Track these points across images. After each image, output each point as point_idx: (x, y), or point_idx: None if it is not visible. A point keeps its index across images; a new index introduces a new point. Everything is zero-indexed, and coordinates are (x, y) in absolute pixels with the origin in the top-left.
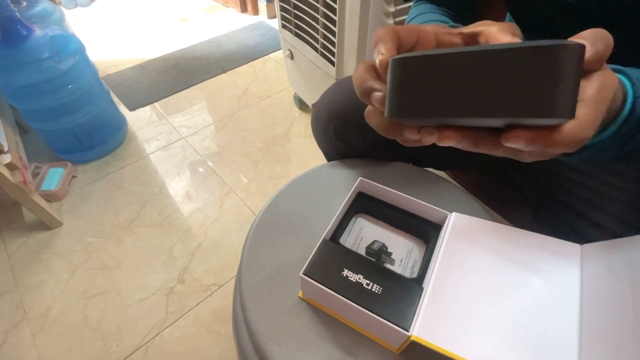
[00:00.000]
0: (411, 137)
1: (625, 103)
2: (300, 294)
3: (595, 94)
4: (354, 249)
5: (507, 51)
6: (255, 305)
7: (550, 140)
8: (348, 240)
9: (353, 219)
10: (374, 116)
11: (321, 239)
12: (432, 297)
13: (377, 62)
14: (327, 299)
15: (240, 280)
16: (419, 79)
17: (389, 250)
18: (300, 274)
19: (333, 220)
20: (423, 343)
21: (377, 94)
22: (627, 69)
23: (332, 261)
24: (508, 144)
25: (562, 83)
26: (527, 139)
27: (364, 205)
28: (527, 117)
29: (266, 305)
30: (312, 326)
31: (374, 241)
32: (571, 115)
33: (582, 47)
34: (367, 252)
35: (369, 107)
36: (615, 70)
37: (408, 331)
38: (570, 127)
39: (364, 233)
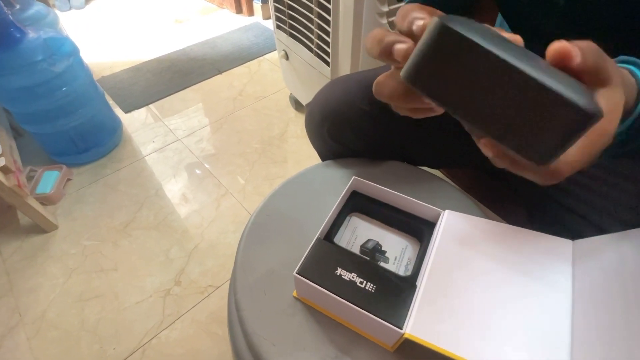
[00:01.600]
0: (426, 105)
1: (637, 101)
2: (294, 293)
3: (590, 141)
4: (349, 248)
5: (528, 79)
6: (250, 306)
7: (520, 165)
8: (342, 239)
9: (347, 217)
10: (388, 83)
11: (315, 238)
12: (425, 295)
13: (416, 26)
14: (321, 298)
15: (234, 281)
16: (449, 58)
17: (383, 248)
18: (294, 273)
19: (327, 219)
20: (416, 340)
21: (401, 46)
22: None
23: (325, 260)
24: (480, 147)
25: (556, 135)
26: (495, 153)
27: (358, 204)
28: (503, 143)
29: (261, 305)
30: (306, 325)
31: (368, 240)
32: (545, 164)
33: (597, 118)
34: (362, 251)
35: (381, 76)
36: (628, 62)
37: (401, 329)
38: None
39: (358, 232)
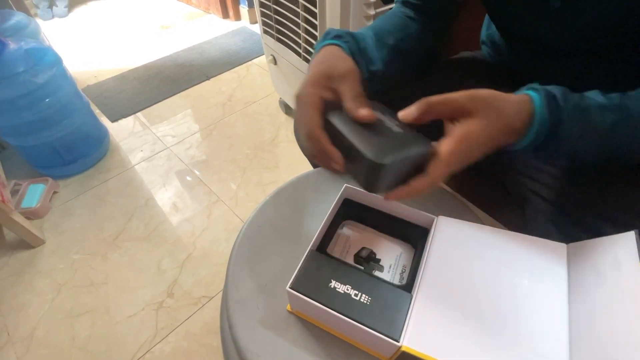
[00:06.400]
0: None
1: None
2: (288, 307)
3: (455, 144)
4: (342, 257)
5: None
6: (243, 322)
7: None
8: (336, 248)
9: (340, 226)
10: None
11: (307, 250)
12: (422, 304)
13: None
14: (316, 311)
15: (226, 297)
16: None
17: (377, 256)
18: (287, 288)
19: (319, 229)
20: (414, 353)
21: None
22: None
23: (319, 273)
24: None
25: (364, 172)
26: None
27: (350, 211)
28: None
29: (254, 321)
30: (301, 340)
31: (362, 248)
32: (373, 192)
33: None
34: (356, 260)
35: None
36: (529, 88)
37: (398, 341)
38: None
39: (352, 240)
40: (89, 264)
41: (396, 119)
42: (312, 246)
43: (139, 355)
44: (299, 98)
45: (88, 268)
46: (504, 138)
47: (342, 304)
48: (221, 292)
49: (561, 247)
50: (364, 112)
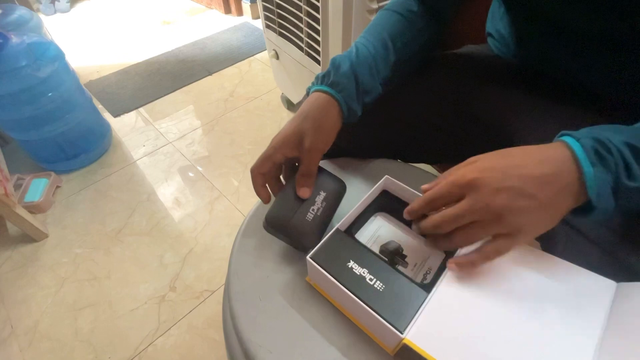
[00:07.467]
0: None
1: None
2: (307, 278)
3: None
4: (368, 246)
5: None
6: (245, 312)
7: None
8: (364, 236)
9: (373, 216)
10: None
11: (334, 228)
12: (436, 305)
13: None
14: (330, 286)
15: (228, 288)
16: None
17: (404, 252)
18: (307, 257)
19: (350, 212)
20: (414, 348)
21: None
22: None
23: (340, 251)
24: None
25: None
26: None
27: (386, 204)
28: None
29: (256, 312)
30: (304, 331)
31: (390, 241)
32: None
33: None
34: (381, 251)
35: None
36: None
37: (402, 333)
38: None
39: (381, 232)
40: (91, 258)
41: (325, 197)
42: (339, 226)
43: (141, 348)
44: (273, 141)
45: (91, 262)
46: (530, 159)
47: (355, 284)
48: (223, 287)
49: (608, 284)
50: (301, 193)
